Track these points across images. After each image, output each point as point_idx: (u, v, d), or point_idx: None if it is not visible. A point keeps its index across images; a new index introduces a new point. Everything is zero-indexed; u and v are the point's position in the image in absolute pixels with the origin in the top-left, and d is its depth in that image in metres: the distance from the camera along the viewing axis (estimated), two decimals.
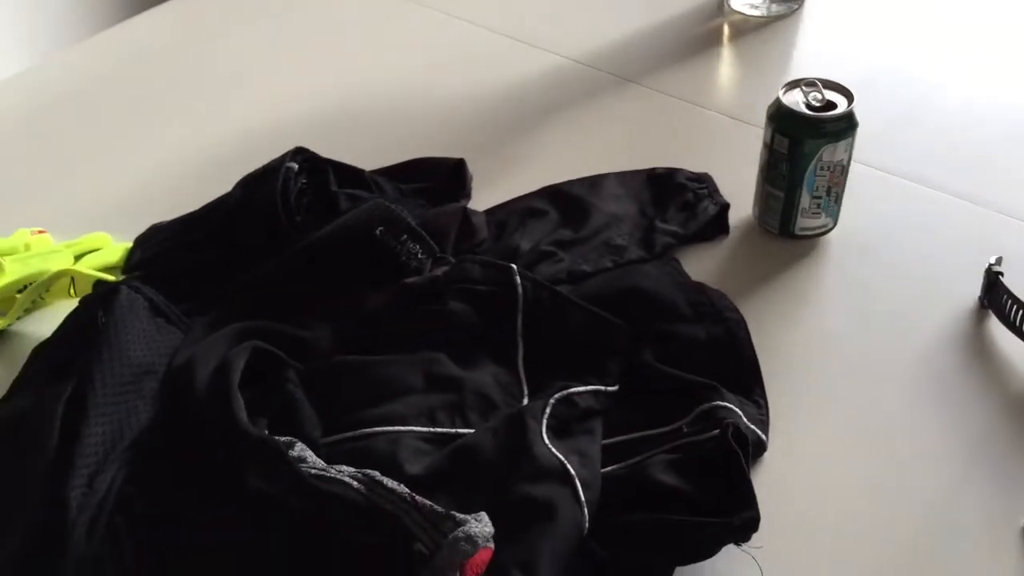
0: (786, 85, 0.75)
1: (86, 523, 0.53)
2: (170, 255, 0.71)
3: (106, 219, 0.81)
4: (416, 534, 0.52)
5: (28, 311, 0.73)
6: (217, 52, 1.06)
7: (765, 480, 0.61)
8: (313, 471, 0.54)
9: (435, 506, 0.53)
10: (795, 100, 0.74)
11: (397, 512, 0.53)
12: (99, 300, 0.63)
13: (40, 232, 0.79)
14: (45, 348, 0.66)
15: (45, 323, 0.71)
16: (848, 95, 0.74)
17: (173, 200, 0.79)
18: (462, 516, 0.53)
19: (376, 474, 0.54)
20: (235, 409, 0.56)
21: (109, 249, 0.78)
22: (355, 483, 0.54)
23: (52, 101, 0.99)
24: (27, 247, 0.76)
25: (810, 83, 0.75)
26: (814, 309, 0.75)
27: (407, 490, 0.53)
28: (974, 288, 0.74)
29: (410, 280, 0.65)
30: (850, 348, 0.71)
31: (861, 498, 0.61)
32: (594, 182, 0.83)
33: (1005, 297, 0.70)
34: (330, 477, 0.54)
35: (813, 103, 0.74)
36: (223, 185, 0.74)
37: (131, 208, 0.83)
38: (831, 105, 0.74)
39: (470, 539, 0.52)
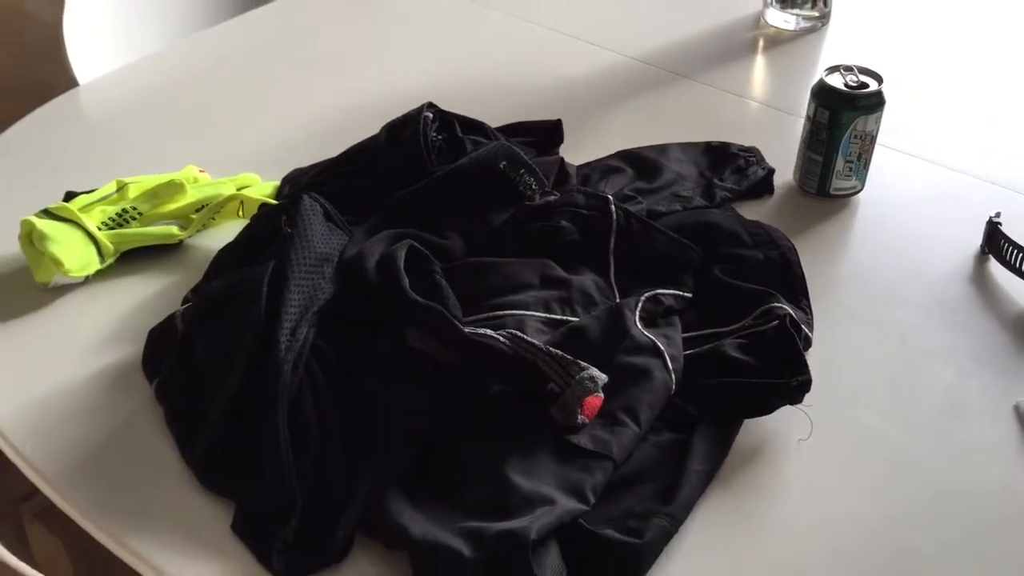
0: (828, 69, 0.92)
1: (291, 361, 0.68)
2: (322, 185, 0.86)
3: (248, 167, 0.97)
4: (550, 375, 0.68)
5: (202, 228, 0.88)
6: (321, 43, 1.23)
7: (811, 365, 0.76)
8: (467, 329, 0.70)
9: (566, 355, 0.68)
10: (835, 80, 0.91)
11: (534, 359, 0.68)
12: (284, 207, 0.79)
13: (201, 171, 0.94)
14: (230, 248, 0.82)
15: (216, 238, 0.86)
16: (878, 78, 0.91)
17: (300, 156, 0.95)
18: (586, 363, 0.68)
19: (516, 331, 0.70)
20: (403, 284, 0.72)
21: (259, 186, 0.93)
22: (501, 338, 0.69)
23: (198, 72, 1.15)
24: (195, 180, 0.91)
25: (848, 68, 0.92)
26: (844, 253, 0.91)
27: (542, 343, 0.69)
28: (977, 241, 0.90)
29: (528, 202, 0.81)
30: (874, 283, 0.87)
31: (885, 385, 0.77)
32: (661, 148, 0.99)
33: (1003, 241, 0.86)
34: (481, 333, 0.69)
35: (849, 83, 0.90)
36: (338, 146, 0.90)
37: (266, 159, 0.99)
38: (864, 85, 0.90)
39: (593, 379, 0.67)
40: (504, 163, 0.82)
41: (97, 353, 0.77)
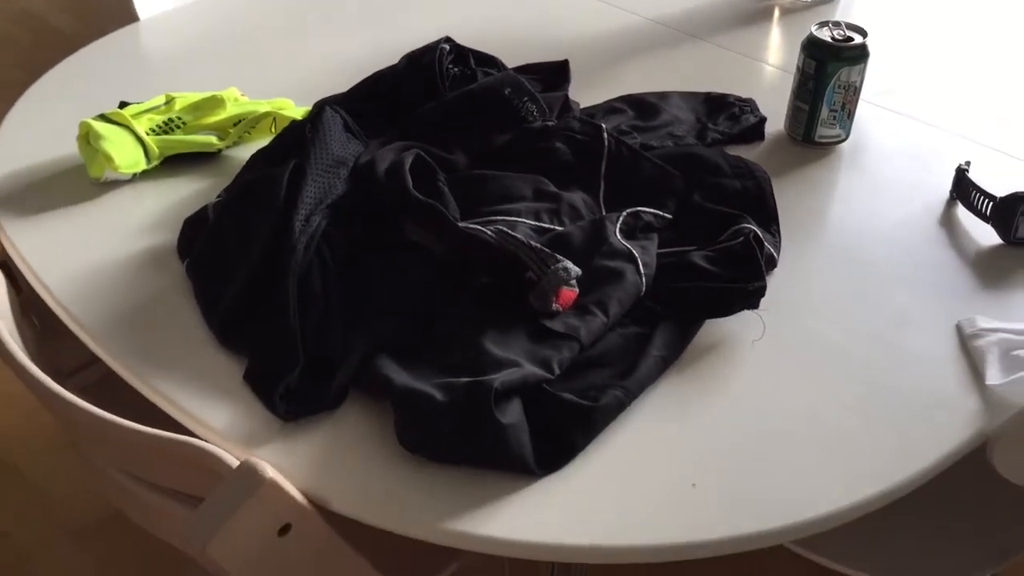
0: (817, 24, 0.99)
1: (304, 242, 0.78)
2: (346, 104, 0.95)
3: (284, 96, 1.07)
4: (529, 265, 0.76)
5: (237, 142, 0.98)
6: None
7: (774, 284, 0.84)
8: (460, 224, 0.79)
9: (544, 247, 0.77)
10: (823, 34, 0.98)
11: (516, 251, 0.77)
12: (308, 119, 0.89)
13: (242, 95, 1.04)
14: (263, 151, 0.92)
15: (249, 150, 0.96)
16: (863, 33, 0.98)
17: (331, 89, 1.02)
18: (561, 257, 0.76)
19: (503, 227, 0.78)
20: (407, 183, 0.81)
21: (291, 109, 1.03)
22: (489, 230, 0.78)
23: (246, 15, 1.26)
24: (236, 99, 1.01)
25: (836, 23, 0.99)
26: (823, 194, 0.98)
27: (523, 237, 0.77)
28: (945, 188, 0.97)
29: (527, 125, 0.90)
30: (847, 220, 0.94)
31: (840, 300, 0.84)
32: (663, 94, 1.07)
33: (969, 187, 0.93)
34: (472, 226, 0.78)
35: (836, 36, 0.97)
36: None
37: (301, 90, 1.08)
38: (849, 39, 0.97)
39: (566, 270, 0.76)
40: (509, 89, 0.91)
41: (138, 238, 0.88)
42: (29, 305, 0.88)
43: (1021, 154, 1.03)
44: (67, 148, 0.97)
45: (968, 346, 0.80)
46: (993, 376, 0.77)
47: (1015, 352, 0.78)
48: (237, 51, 1.18)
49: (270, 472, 0.62)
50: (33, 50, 2.67)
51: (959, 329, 0.81)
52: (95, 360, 0.85)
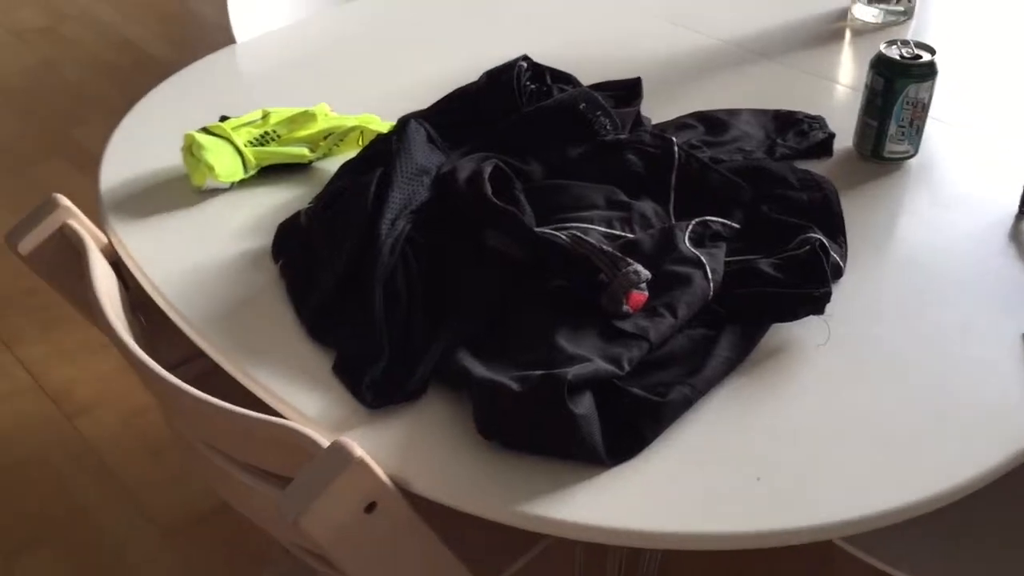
0: (886, 42, 1.02)
1: (389, 245, 0.83)
2: (429, 118, 1.01)
3: (370, 110, 1.13)
4: (601, 268, 0.80)
5: (327, 154, 1.05)
6: (442, 18, 1.39)
7: (839, 292, 0.86)
8: (536, 229, 0.83)
9: (615, 251, 0.81)
10: (891, 52, 1.00)
11: (589, 254, 0.81)
12: (394, 131, 0.94)
13: (331, 110, 1.11)
14: (351, 162, 0.97)
15: (338, 161, 1.02)
16: (932, 51, 1.00)
17: (417, 105, 1.09)
18: (631, 260, 0.80)
19: (576, 232, 0.83)
20: (486, 191, 0.86)
21: (377, 123, 1.09)
22: (563, 235, 0.82)
23: (336, 37, 1.33)
24: (325, 114, 1.08)
25: (904, 42, 1.01)
26: (890, 209, 1.00)
27: (596, 241, 0.82)
28: (1013, 204, 0.98)
29: (600, 138, 0.94)
30: (914, 234, 0.96)
31: (904, 308, 0.86)
32: (733, 111, 1.10)
33: None
34: (547, 232, 0.83)
35: (904, 55, 1.00)
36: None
37: (387, 107, 1.14)
38: (918, 57, 1.00)
39: (636, 272, 0.80)
40: (583, 104, 0.95)
41: (237, 241, 0.94)
42: (136, 303, 0.95)
43: None
44: (171, 159, 1.04)
45: None
46: None
47: None
48: (327, 70, 1.25)
49: (359, 451, 0.66)
50: (133, 76, 2.82)
51: None
52: (194, 356, 0.91)
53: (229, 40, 1.33)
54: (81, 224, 0.91)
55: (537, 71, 1.02)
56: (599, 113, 0.95)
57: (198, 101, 1.18)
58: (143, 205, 0.99)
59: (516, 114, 0.97)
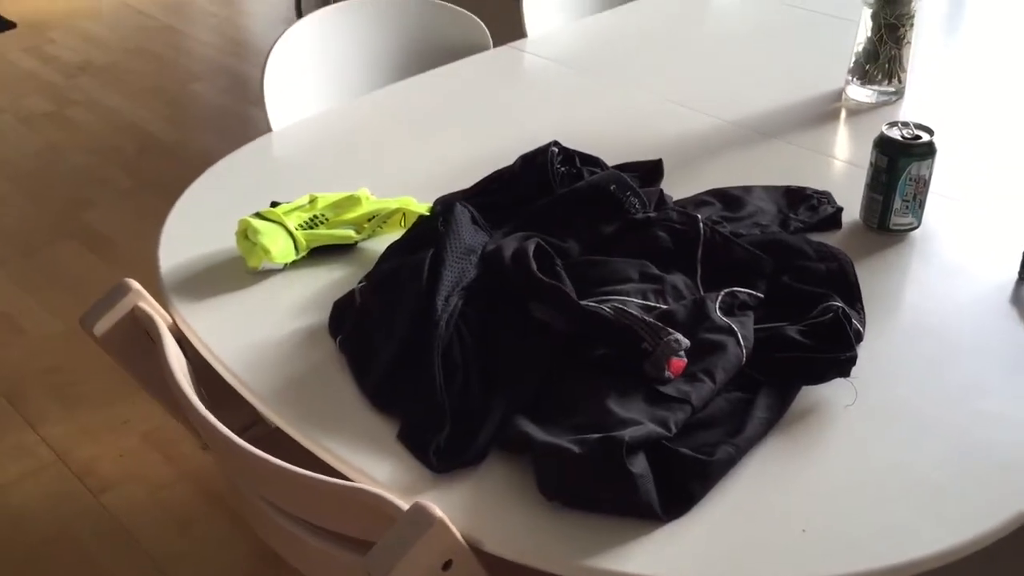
0: (888, 124, 1.11)
1: (445, 319, 0.90)
2: (469, 200, 1.08)
3: (406, 194, 1.20)
4: (644, 337, 0.87)
5: (372, 235, 1.11)
6: (466, 104, 1.48)
7: (860, 356, 0.93)
8: (581, 302, 0.90)
9: (657, 321, 0.87)
10: (893, 133, 1.09)
11: (633, 325, 0.87)
12: (441, 212, 1.01)
13: (370, 195, 1.18)
14: (397, 244, 1.04)
15: (382, 241, 1.09)
16: (930, 131, 1.09)
17: (447, 188, 1.17)
18: (672, 329, 0.87)
19: (617, 304, 0.89)
20: (532, 267, 0.93)
21: (415, 205, 1.16)
22: (606, 308, 0.89)
23: (366, 123, 1.41)
24: (368, 197, 1.15)
25: (904, 123, 1.10)
26: (899, 277, 1.08)
27: (638, 312, 0.88)
28: (1014, 270, 1.06)
29: (631, 216, 1.02)
30: (922, 300, 1.04)
31: (922, 371, 0.93)
32: (747, 188, 1.18)
33: None
34: (591, 305, 0.89)
35: (905, 135, 1.08)
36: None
37: (420, 189, 1.22)
38: (918, 137, 1.08)
39: (677, 341, 0.86)
40: (614, 186, 1.03)
41: (293, 318, 1.00)
42: (197, 376, 1.00)
43: None
44: (222, 243, 1.11)
45: None
46: None
47: None
48: (360, 156, 1.33)
49: (439, 513, 0.72)
50: (139, 159, 2.90)
51: None
52: (253, 424, 0.97)
53: (237, 123, 1.39)
54: (150, 306, 0.96)
55: (567, 154, 1.10)
56: (628, 193, 1.03)
57: (237, 189, 1.25)
58: (201, 286, 1.05)
59: (551, 195, 1.04)
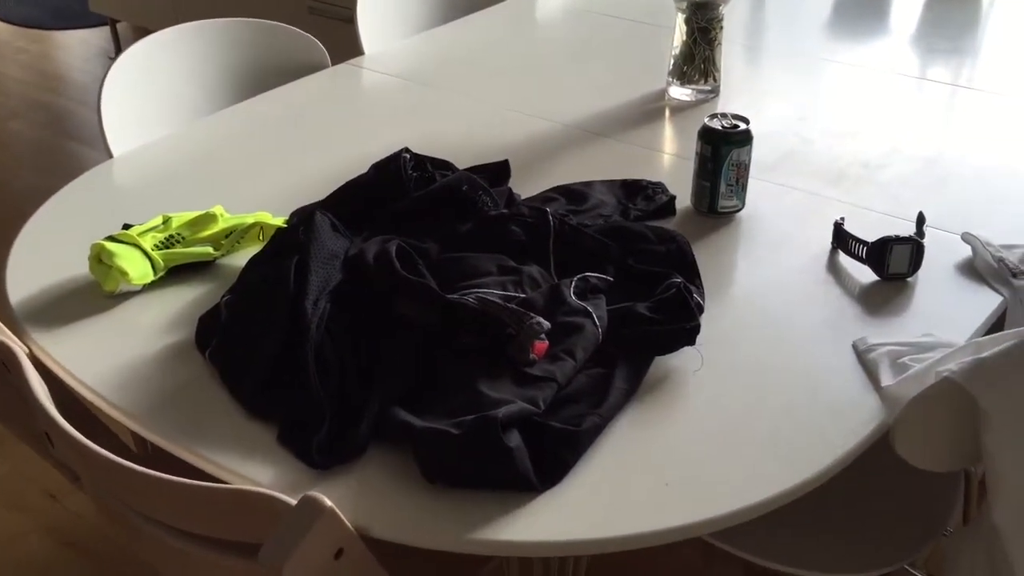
0: (709, 116, 1.21)
1: (315, 321, 0.92)
2: (326, 209, 1.10)
3: (261, 207, 1.21)
4: (508, 323, 0.92)
5: (230, 251, 1.12)
6: (309, 122, 1.50)
7: (703, 325, 1.01)
8: (447, 296, 0.94)
9: (519, 308, 0.93)
10: (714, 123, 1.19)
11: (497, 313, 0.92)
12: (301, 221, 1.04)
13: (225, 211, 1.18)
14: (258, 256, 1.05)
15: (241, 257, 1.10)
16: (746, 121, 1.19)
17: (299, 202, 1.19)
18: (533, 314, 0.92)
19: (482, 294, 0.94)
20: (396, 266, 0.96)
21: (271, 219, 1.17)
22: (470, 299, 0.93)
23: (212, 145, 1.41)
24: (223, 214, 1.15)
25: (723, 115, 1.20)
26: (729, 254, 1.18)
27: (500, 300, 0.93)
28: (827, 241, 1.18)
29: (485, 214, 1.07)
30: (751, 273, 1.14)
31: (757, 332, 1.03)
32: (588, 183, 1.26)
33: (847, 237, 1.13)
34: (455, 297, 0.94)
35: (725, 124, 1.19)
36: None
37: (272, 205, 1.23)
38: (736, 126, 1.19)
39: (539, 323, 0.92)
40: (466, 186, 1.08)
41: (157, 337, 1.00)
42: (61, 410, 0.98)
43: (880, 208, 1.26)
44: (73, 270, 1.09)
45: (863, 359, 0.99)
46: (886, 379, 0.95)
47: (901, 359, 0.97)
48: (209, 176, 1.33)
49: (328, 503, 0.74)
50: None
51: (854, 347, 1.00)
52: (125, 448, 0.96)
53: (60, 158, 1.37)
54: (3, 334, 0.94)
55: (418, 160, 1.15)
56: (480, 192, 1.08)
57: (83, 216, 1.23)
58: (57, 314, 1.03)
59: (407, 199, 1.08)
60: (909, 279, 1.11)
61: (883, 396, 0.94)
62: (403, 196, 1.09)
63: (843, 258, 1.15)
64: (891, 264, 1.10)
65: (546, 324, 0.93)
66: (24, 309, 1.04)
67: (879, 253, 1.10)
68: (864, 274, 1.12)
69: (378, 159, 1.18)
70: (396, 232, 1.06)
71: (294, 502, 0.75)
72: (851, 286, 1.11)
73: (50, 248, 1.15)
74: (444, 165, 1.15)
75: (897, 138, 1.45)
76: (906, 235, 1.10)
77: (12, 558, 1.62)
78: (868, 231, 1.13)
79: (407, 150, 1.14)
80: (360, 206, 1.10)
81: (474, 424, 0.82)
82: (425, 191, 1.08)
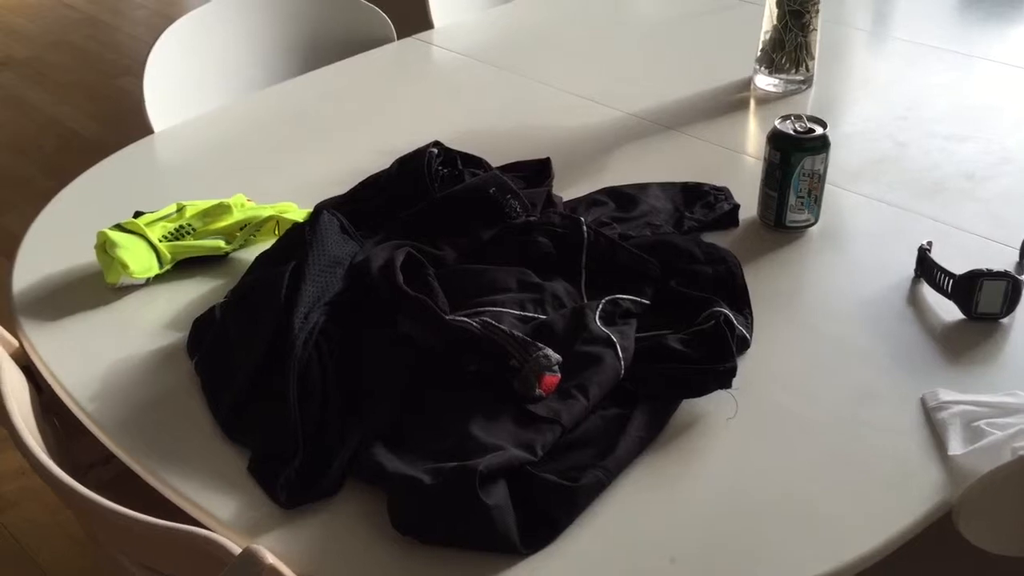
0: (780, 117, 1.06)
1: (303, 338, 0.84)
2: (342, 206, 1.02)
3: (288, 199, 1.14)
4: (512, 354, 0.82)
5: (244, 244, 1.05)
6: (350, 104, 1.41)
7: (747, 363, 0.89)
8: (447, 317, 0.84)
9: (526, 337, 0.82)
10: (786, 127, 1.05)
11: (501, 341, 0.82)
12: (307, 221, 0.95)
13: (249, 200, 1.12)
14: (267, 253, 0.98)
15: (255, 252, 1.03)
16: (824, 125, 1.04)
17: (332, 191, 1.11)
18: (542, 344, 0.82)
19: (488, 319, 0.84)
20: (398, 279, 0.87)
21: (295, 211, 1.10)
22: (474, 323, 0.84)
23: (252, 124, 1.35)
24: (242, 205, 1.08)
25: (797, 116, 1.06)
26: (794, 276, 1.03)
27: (507, 327, 0.83)
28: (911, 267, 1.02)
29: (511, 221, 0.96)
30: (816, 300, 1.00)
31: (808, 377, 0.89)
32: (642, 186, 1.13)
33: (932, 266, 0.98)
34: (458, 319, 0.84)
35: (798, 129, 1.04)
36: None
37: (304, 194, 1.16)
38: (811, 131, 1.04)
39: (547, 357, 0.81)
40: (493, 189, 0.98)
41: (152, 338, 0.94)
42: (50, 405, 0.93)
43: (980, 230, 1.09)
44: (84, 257, 1.04)
45: (932, 418, 0.84)
46: (955, 447, 0.81)
47: (976, 423, 0.83)
48: (244, 158, 1.27)
49: (270, 559, 0.66)
50: (60, 157, 2.80)
51: (923, 402, 0.86)
52: (112, 456, 0.90)
53: (152, 126, 1.33)
54: None
55: (448, 156, 1.05)
56: (508, 196, 0.98)
57: (113, 196, 1.18)
58: (55, 305, 0.99)
59: (428, 200, 0.99)
60: (1003, 320, 0.95)
61: (950, 466, 0.80)
62: (425, 196, 1.00)
63: (927, 290, 1.00)
64: (980, 302, 0.94)
65: (556, 357, 0.82)
66: (25, 299, 0.99)
67: (967, 289, 0.94)
68: (949, 311, 0.97)
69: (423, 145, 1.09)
70: (413, 236, 0.96)
71: (238, 550, 0.68)
72: (932, 325, 0.95)
73: (67, 233, 1.10)
74: (476, 162, 1.04)
75: (1011, 147, 1.26)
76: (1001, 269, 0.94)
77: (59, 525, 1.63)
78: (962, 258, 0.97)
79: (437, 144, 1.04)
80: (378, 205, 1.01)
81: (451, 475, 0.72)
82: (448, 192, 0.98)
